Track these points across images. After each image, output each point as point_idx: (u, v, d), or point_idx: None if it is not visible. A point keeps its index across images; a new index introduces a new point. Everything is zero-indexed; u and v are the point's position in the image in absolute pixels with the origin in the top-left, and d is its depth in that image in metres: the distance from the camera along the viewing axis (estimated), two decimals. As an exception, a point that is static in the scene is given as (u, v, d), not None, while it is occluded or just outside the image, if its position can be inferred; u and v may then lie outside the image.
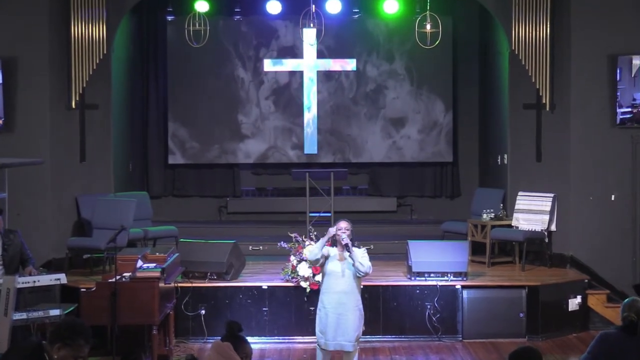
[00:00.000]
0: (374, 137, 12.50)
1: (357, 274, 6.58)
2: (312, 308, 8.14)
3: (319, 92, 12.44)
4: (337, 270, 6.60)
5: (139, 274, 7.35)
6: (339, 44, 12.37)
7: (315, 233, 8.84)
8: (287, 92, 12.53)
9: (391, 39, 12.37)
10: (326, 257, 6.67)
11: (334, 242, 6.68)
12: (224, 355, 4.47)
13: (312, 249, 6.80)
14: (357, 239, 9.66)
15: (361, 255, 6.60)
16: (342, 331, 6.58)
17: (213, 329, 8.61)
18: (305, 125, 12.46)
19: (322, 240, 6.70)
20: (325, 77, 12.47)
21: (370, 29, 12.42)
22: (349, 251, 6.54)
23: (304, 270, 8.65)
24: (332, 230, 6.65)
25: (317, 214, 9.79)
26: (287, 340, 8.73)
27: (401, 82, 12.47)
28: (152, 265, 7.57)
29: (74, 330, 4.05)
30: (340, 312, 6.57)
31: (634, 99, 9.81)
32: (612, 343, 5.08)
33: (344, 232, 6.58)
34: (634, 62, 9.74)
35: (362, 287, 8.65)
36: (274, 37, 12.45)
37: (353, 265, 6.57)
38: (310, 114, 12.47)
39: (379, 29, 12.40)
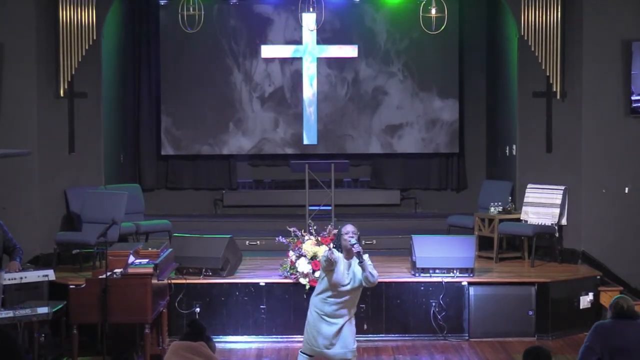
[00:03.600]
0: (377, 127, 12.38)
1: (365, 284, 6.23)
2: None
3: (319, 80, 12.29)
4: (344, 280, 6.23)
5: (130, 270, 7.29)
6: (339, 31, 12.26)
7: (315, 227, 8.71)
8: (286, 79, 12.37)
9: (394, 24, 12.25)
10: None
11: (338, 246, 6.30)
12: (203, 355, 4.44)
13: (329, 260, 6.26)
14: (359, 233, 9.32)
15: (370, 264, 6.24)
16: (343, 340, 6.32)
17: (208, 327, 8.35)
18: (304, 114, 12.25)
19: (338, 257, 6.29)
20: (325, 64, 12.33)
21: (372, 15, 12.29)
22: (360, 260, 6.16)
23: (303, 266, 8.53)
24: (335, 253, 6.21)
25: (317, 208, 9.64)
26: (285, 339, 8.59)
27: (405, 70, 12.33)
28: (144, 261, 7.57)
29: None
30: (338, 321, 6.28)
31: (648, 87, 9.68)
32: (607, 329, 5.51)
33: (351, 237, 6.18)
34: (648, 48, 9.63)
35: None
36: (271, 22, 12.28)
37: (363, 274, 6.20)
38: (310, 103, 12.25)
39: (382, 14, 12.26)
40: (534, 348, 4.90)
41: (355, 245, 6.10)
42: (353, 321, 6.42)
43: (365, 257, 6.24)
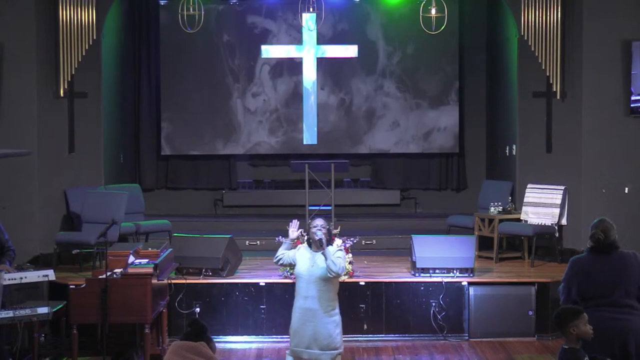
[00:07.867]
0: (377, 126, 12.36)
1: (328, 274, 6.09)
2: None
3: (319, 80, 12.22)
4: (304, 273, 6.17)
5: (130, 270, 7.29)
6: (339, 31, 12.24)
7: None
8: (286, 80, 12.34)
9: (394, 24, 12.22)
10: (294, 265, 6.31)
11: (309, 241, 6.26)
12: (203, 355, 4.45)
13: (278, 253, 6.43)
14: (359, 233, 9.33)
15: (334, 253, 6.12)
16: (314, 339, 6.11)
17: (208, 327, 8.32)
18: (304, 114, 12.22)
19: (286, 243, 6.38)
20: (325, 65, 12.27)
21: (372, 15, 12.27)
22: (321, 247, 6.09)
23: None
24: (292, 233, 6.33)
25: (317, 208, 9.58)
26: (285, 340, 8.39)
27: (405, 70, 12.27)
28: (144, 261, 7.56)
29: None
30: (307, 318, 6.11)
31: (648, 87, 9.65)
32: (582, 265, 5.48)
33: (319, 230, 6.14)
34: (648, 48, 9.59)
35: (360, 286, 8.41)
36: (272, 23, 12.26)
37: (325, 262, 6.11)
38: (310, 103, 12.23)
39: (382, 14, 12.24)
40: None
41: (317, 235, 6.09)
42: (329, 319, 6.13)
43: (332, 247, 6.15)
